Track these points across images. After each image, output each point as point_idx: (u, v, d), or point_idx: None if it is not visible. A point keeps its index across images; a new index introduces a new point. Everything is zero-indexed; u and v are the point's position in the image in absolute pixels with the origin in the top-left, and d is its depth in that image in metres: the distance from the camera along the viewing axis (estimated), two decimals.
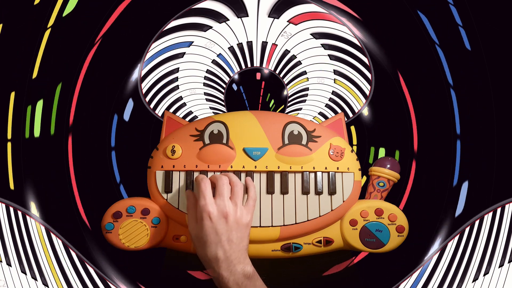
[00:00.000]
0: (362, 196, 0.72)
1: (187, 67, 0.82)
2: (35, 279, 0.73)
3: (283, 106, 0.83)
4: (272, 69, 0.82)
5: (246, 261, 0.60)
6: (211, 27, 0.81)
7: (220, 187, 0.62)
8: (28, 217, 0.75)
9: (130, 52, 0.80)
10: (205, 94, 0.82)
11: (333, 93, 0.82)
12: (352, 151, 0.71)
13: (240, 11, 0.81)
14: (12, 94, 0.76)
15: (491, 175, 0.76)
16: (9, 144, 0.76)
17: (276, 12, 0.81)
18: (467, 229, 0.75)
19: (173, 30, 0.80)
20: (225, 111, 0.82)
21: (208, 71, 0.82)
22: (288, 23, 0.80)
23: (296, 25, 0.81)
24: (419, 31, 0.79)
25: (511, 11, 0.77)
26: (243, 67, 0.82)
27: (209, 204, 0.60)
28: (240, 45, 0.82)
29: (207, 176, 0.67)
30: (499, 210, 0.75)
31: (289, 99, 0.83)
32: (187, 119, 0.80)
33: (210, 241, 0.59)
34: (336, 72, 0.82)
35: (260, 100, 0.82)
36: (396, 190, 0.74)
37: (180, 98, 0.82)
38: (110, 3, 0.79)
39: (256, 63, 0.82)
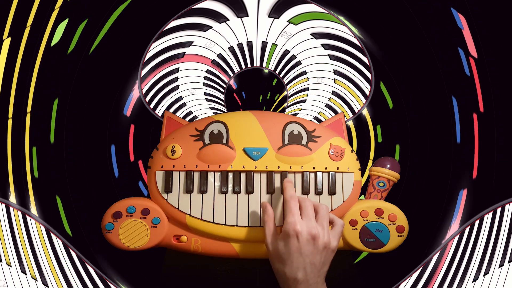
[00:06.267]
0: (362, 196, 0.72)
1: (187, 67, 0.82)
2: (35, 279, 0.73)
3: (283, 106, 0.83)
4: (272, 69, 0.82)
5: (323, 287, 0.59)
6: (211, 27, 0.81)
7: (307, 208, 0.60)
8: (28, 217, 0.75)
9: (130, 52, 0.80)
10: (205, 94, 0.82)
11: (333, 93, 0.82)
12: (352, 151, 0.71)
13: (240, 11, 0.81)
14: (12, 96, 0.77)
15: (491, 175, 0.76)
16: (9, 144, 0.76)
17: (276, 12, 0.81)
18: (467, 229, 0.75)
19: (173, 30, 0.81)
20: (225, 111, 0.82)
21: (208, 71, 0.82)
22: (288, 23, 0.80)
23: (296, 25, 0.81)
24: (419, 31, 0.79)
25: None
26: (243, 67, 0.82)
27: (298, 222, 0.58)
28: (240, 45, 0.82)
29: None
30: (499, 210, 0.75)
31: (289, 99, 0.83)
32: (187, 119, 0.80)
33: (292, 261, 0.57)
34: (336, 72, 0.82)
35: (260, 100, 0.82)
36: (396, 190, 0.74)
37: (180, 98, 0.82)
38: (110, 3, 0.79)
39: (256, 63, 0.82)
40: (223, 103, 0.82)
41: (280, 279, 0.59)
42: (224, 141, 0.69)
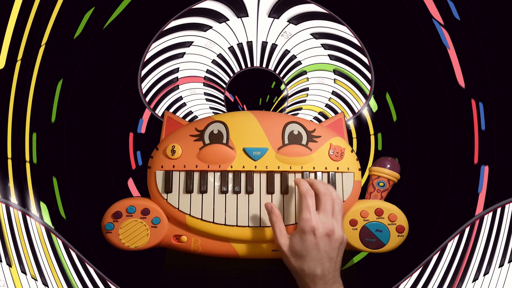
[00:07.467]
0: (362, 196, 0.72)
1: (187, 67, 0.82)
2: (35, 279, 0.73)
3: (283, 106, 0.82)
4: (272, 69, 0.82)
5: (339, 281, 0.60)
6: (211, 27, 0.81)
7: (325, 203, 0.60)
8: (28, 217, 0.75)
9: (130, 52, 0.80)
10: (205, 94, 0.82)
11: (333, 93, 0.82)
12: (352, 151, 0.71)
13: (240, 11, 0.81)
14: (12, 94, 0.77)
15: (491, 175, 0.76)
16: (9, 144, 0.76)
17: (276, 12, 0.81)
18: (467, 229, 0.75)
19: (173, 30, 0.81)
20: (225, 111, 0.82)
21: (208, 71, 0.82)
22: (288, 23, 0.80)
23: (296, 25, 0.81)
24: (420, 32, 0.79)
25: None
26: (243, 67, 0.82)
27: (314, 219, 0.59)
28: (240, 45, 0.82)
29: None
30: (499, 210, 0.75)
31: (289, 99, 0.83)
32: (187, 119, 0.80)
33: (311, 257, 0.58)
34: (336, 72, 0.82)
35: (260, 100, 0.82)
36: (396, 190, 0.74)
37: (180, 98, 0.82)
38: (110, 3, 0.79)
39: (256, 63, 0.82)
40: (223, 103, 0.82)
41: (297, 276, 0.60)
42: (224, 141, 0.69)
